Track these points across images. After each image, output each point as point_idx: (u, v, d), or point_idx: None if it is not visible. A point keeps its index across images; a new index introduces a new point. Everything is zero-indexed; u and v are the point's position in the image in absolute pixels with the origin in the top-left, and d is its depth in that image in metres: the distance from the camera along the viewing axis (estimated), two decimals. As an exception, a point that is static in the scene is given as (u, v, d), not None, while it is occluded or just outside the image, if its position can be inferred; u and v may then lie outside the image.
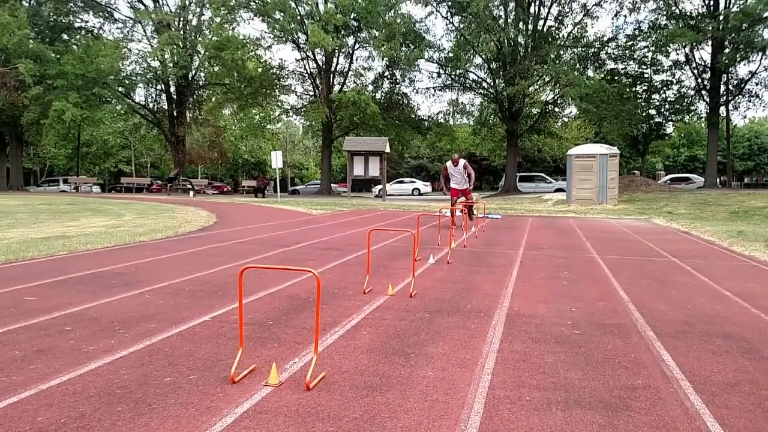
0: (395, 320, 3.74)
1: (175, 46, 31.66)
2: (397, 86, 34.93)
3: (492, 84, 32.86)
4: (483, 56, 31.28)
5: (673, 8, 30.38)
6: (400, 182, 40.38)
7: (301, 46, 31.59)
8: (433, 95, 45.57)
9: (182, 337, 3.27)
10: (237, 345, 3.09)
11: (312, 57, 32.28)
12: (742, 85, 31.69)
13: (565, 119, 37.97)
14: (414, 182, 39.89)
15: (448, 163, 10.55)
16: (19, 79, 28.09)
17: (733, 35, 28.36)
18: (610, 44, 32.06)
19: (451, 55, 31.99)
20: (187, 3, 33.28)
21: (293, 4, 30.09)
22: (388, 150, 27.21)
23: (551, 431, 2.17)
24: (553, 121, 35.88)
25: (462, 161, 10.44)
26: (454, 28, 32.29)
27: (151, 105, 36.64)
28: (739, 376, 2.82)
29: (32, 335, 3.26)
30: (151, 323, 3.55)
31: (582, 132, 40.29)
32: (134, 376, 2.65)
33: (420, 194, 37.28)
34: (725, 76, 31.04)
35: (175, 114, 35.11)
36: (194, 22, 33.93)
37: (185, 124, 35.00)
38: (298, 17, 30.60)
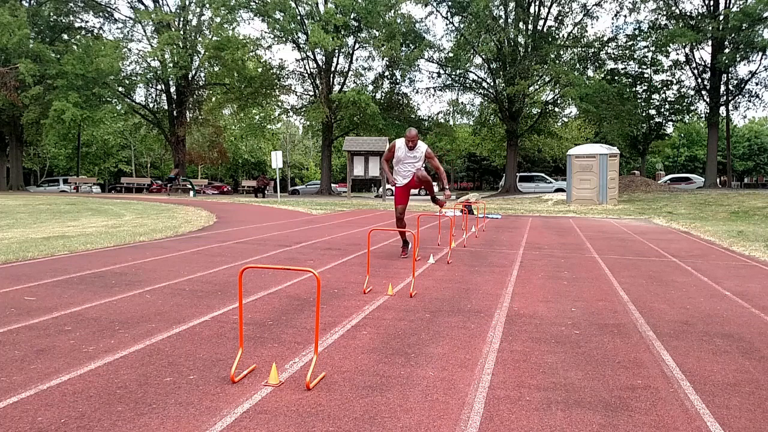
0: (395, 320, 3.74)
1: (175, 46, 31.68)
2: (397, 86, 34.95)
3: (492, 84, 32.87)
4: (483, 56, 31.29)
5: (673, 8, 30.40)
6: None
7: (301, 46, 31.61)
8: (433, 95, 45.75)
9: (182, 337, 3.27)
10: (237, 345, 3.09)
11: (312, 57, 32.31)
12: (742, 85, 31.71)
13: (565, 119, 38.02)
14: None
15: (399, 143, 6.47)
16: (19, 79, 28.11)
17: (733, 35, 28.37)
18: (610, 44, 32.08)
19: (451, 55, 32.00)
20: (187, 3, 33.30)
21: (293, 4, 30.10)
22: (388, 150, 27.17)
23: (551, 431, 2.17)
24: (553, 121, 35.90)
25: (423, 146, 6.44)
26: (454, 28, 32.31)
27: (151, 105, 36.68)
28: (739, 376, 2.82)
29: (32, 335, 3.26)
30: (151, 323, 3.55)
31: (582, 132, 40.33)
32: (134, 376, 2.65)
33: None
34: (725, 76, 31.05)
35: (175, 114, 35.12)
36: (194, 22, 33.97)
37: (185, 124, 35.01)
38: (298, 17, 30.62)
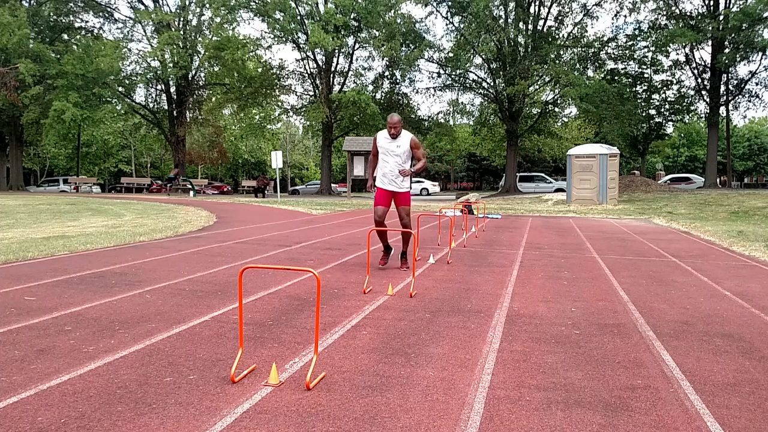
0: (395, 320, 3.74)
1: (175, 46, 31.69)
2: (397, 86, 34.96)
3: (492, 84, 32.88)
4: (483, 56, 31.29)
5: (673, 8, 30.40)
6: None
7: (301, 46, 31.61)
8: (433, 95, 45.72)
9: (182, 337, 3.27)
10: (237, 345, 3.10)
11: (312, 57, 32.31)
12: (742, 85, 31.72)
13: (565, 119, 38.03)
14: (422, 182, 39.63)
15: (381, 135, 5.66)
16: (19, 79, 28.11)
17: (733, 35, 28.37)
18: (610, 44, 32.09)
19: (451, 55, 32.00)
20: (187, 3, 33.31)
21: (293, 4, 30.11)
22: (388, 150, 27.18)
23: (551, 431, 2.17)
24: (553, 121, 35.92)
25: (409, 135, 5.61)
26: (454, 28, 32.31)
27: (151, 105, 36.70)
28: (739, 376, 2.82)
29: (32, 335, 3.26)
30: (151, 323, 3.55)
31: (582, 132, 40.34)
32: (134, 376, 2.65)
33: (428, 194, 37.29)
34: (725, 76, 31.07)
35: (175, 114, 35.14)
36: (194, 22, 33.99)
37: (185, 124, 35.03)
38: (298, 17, 30.62)
